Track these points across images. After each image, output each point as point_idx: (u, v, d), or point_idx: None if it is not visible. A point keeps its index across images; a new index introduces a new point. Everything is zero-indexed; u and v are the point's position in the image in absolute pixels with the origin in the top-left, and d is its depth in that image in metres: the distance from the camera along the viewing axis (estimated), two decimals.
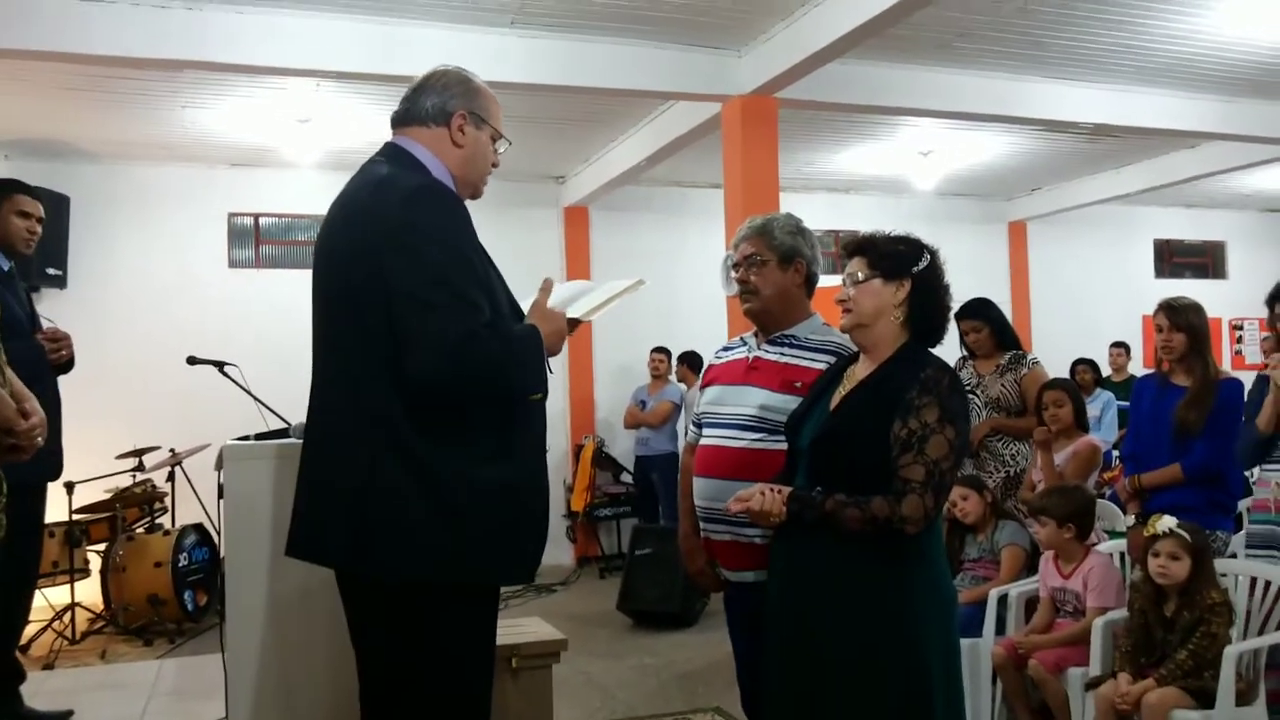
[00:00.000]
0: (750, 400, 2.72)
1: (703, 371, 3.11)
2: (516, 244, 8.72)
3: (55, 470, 4.08)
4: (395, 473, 2.06)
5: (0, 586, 3.81)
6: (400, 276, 2.02)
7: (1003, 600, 4.07)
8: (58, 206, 7.12)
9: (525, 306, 2.33)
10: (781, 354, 2.77)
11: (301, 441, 2.28)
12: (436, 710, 2.18)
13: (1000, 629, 4.04)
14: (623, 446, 9.05)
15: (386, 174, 2.19)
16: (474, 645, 2.20)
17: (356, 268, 2.09)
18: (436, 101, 2.27)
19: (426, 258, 2.03)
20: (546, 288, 2.33)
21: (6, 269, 3.92)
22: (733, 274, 2.86)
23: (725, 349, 3.01)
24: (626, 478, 8.95)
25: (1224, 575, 3.60)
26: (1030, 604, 4.11)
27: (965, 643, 3.39)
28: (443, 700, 2.17)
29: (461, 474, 2.09)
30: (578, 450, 8.98)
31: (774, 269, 2.79)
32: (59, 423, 3.90)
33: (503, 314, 2.17)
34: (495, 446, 2.13)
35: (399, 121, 2.32)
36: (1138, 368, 8.95)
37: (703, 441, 2.84)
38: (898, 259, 2.42)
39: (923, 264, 2.42)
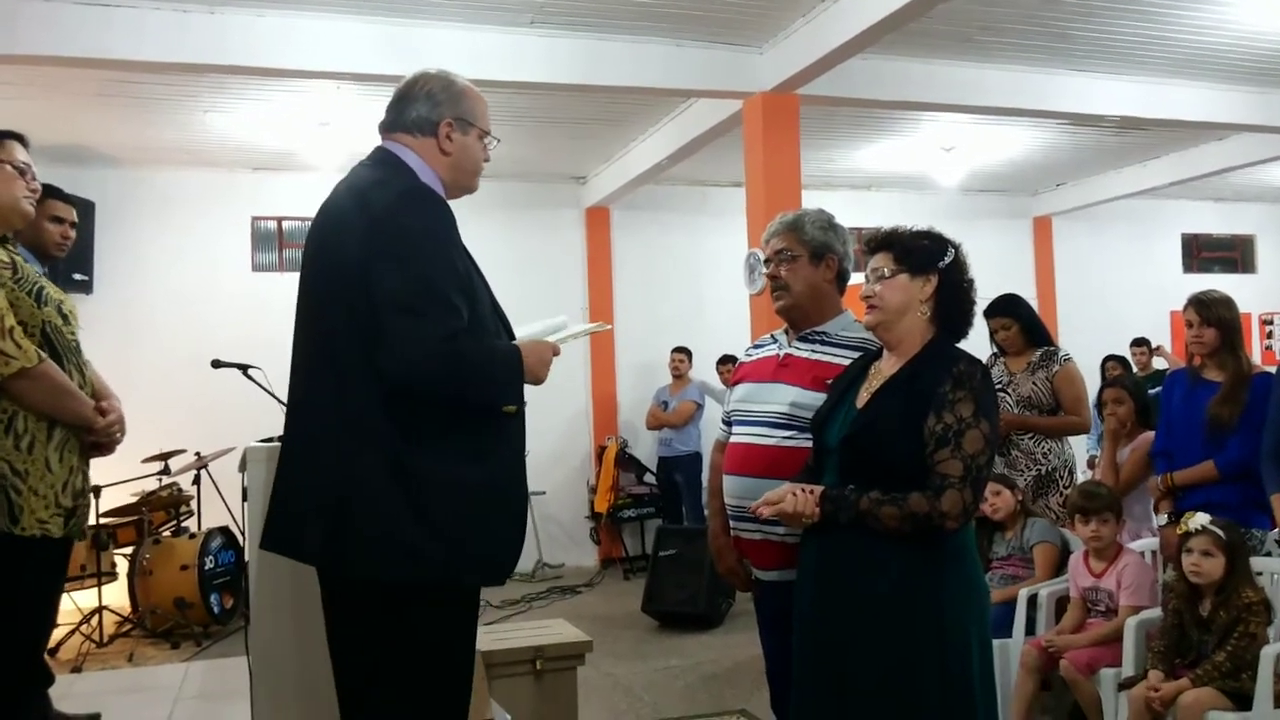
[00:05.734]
0: (780, 398, 2.70)
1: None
2: (538, 246, 8.74)
3: None
4: (375, 473, 2.07)
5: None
6: (385, 280, 2.04)
7: (1032, 600, 4.02)
8: (83, 212, 7.07)
9: (542, 322, 2.38)
10: (813, 351, 2.75)
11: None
12: (411, 711, 2.17)
13: (1030, 629, 3.99)
14: (646, 447, 9.02)
15: (374, 178, 2.22)
16: (450, 647, 2.20)
17: (343, 270, 2.11)
18: (422, 112, 2.28)
19: (411, 262, 2.06)
20: (556, 349, 2.33)
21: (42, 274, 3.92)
22: (763, 270, 2.83)
23: (756, 346, 2.99)
24: (650, 478, 8.92)
25: (1259, 574, 3.54)
26: (1060, 604, 4.06)
27: (995, 643, 3.34)
28: (417, 701, 2.16)
29: (441, 475, 2.09)
30: (600, 451, 8.97)
31: (805, 264, 2.77)
32: None
33: (483, 316, 2.20)
34: (475, 446, 2.14)
35: (387, 128, 2.33)
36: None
37: (733, 439, 2.82)
38: (924, 253, 2.40)
39: (948, 258, 2.40)
